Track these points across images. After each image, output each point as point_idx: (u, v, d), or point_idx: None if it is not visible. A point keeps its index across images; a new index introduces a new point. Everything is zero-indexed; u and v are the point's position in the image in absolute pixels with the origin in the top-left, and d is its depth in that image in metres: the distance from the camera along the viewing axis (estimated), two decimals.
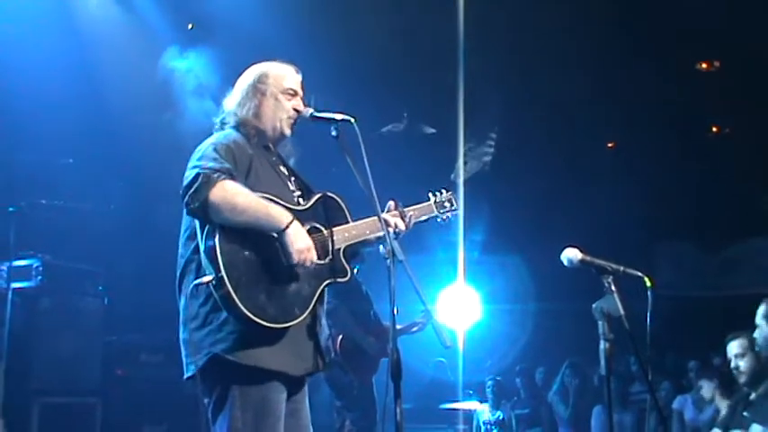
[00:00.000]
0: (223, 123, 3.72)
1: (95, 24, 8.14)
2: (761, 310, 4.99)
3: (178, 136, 6.86)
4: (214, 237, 3.30)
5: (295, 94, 3.75)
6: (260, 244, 3.37)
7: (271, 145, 3.76)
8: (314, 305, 3.49)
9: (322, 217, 3.62)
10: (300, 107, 3.73)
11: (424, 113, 10.43)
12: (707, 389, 7.18)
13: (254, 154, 3.58)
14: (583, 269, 3.53)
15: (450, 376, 10.27)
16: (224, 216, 3.31)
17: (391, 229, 3.70)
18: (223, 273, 3.25)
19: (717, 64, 10.38)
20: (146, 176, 8.40)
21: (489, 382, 9.99)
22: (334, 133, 3.58)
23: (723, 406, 6.50)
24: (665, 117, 10.46)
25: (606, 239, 9.24)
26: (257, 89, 3.71)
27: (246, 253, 3.34)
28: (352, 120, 3.57)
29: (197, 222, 3.43)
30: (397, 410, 3.17)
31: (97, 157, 8.41)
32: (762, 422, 4.99)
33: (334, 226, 3.64)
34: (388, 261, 3.35)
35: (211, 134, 3.68)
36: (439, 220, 4.14)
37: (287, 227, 3.36)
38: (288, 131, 3.73)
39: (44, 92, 7.58)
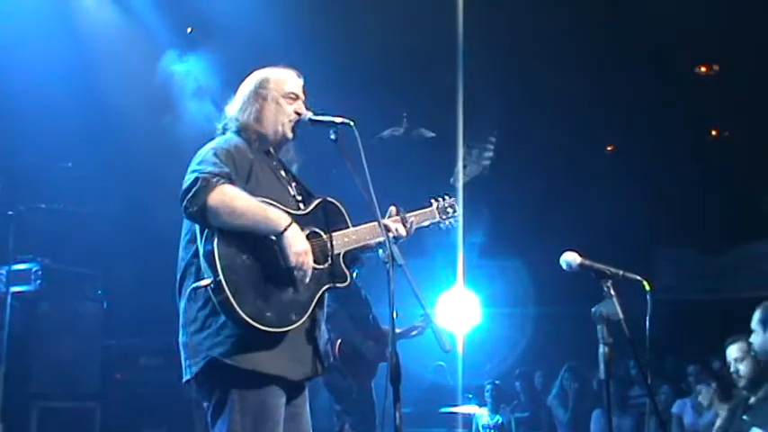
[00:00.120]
0: (225, 129, 3.73)
1: (95, 28, 8.14)
2: (756, 315, 4.98)
3: (177, 139, 6.88)
4: (213, 241, 3.30)
5: (297, 97, 3.75)
6: (259, 248, 3.37)
7: (272, 150, 3.76)
8: (313, 310, 3.49)
9: (322, 222, 3.62)
10: (302, 110, 3.73)
11: (424, 116, 10.43)
12: (706, 393, 7.17)
13: (254, 159, 3.58)
14: (582, 273, 3.53)
15: (449, 380, 10.26)
16: (222, 220, 3.31)
17: (392, 235, 3.70)
18: (221, 277, 3.25)
19: (716, 67, 10.39)
20: (145, 180, 8.39)
21: (488, 386, 9.99)
22: (333, 137, 3.58)
23: (722, 410, 6.50)
24: (665, 120, 10.47)
25: (606, 243, 9.25)
26: (259, 94, 3.72)
27: (245, 257, 3.34)
28: (352, 123, 3.57)
29: (197, 226, 3.43)
30: (397, 414, 3.17)
31: (96, 161, 8.42)
32: (761, 426, 4.98)
33: (334, 231, 3.64)
34: (388, 265, 3.34)
35: (212, 138, 3.69)
36: (441, 226, 4.13)
37: (285, 229, 3.35)
38: (290, 135, 3.73)
39: (43, 95, 7.58)
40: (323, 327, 3.66)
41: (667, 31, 8.82)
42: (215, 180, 3.33)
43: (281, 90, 3.73)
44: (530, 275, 12.43)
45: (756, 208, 12.03)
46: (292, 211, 3.53)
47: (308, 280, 3.41)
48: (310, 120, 3.70)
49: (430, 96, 9.78)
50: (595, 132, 10.97)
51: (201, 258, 3.36)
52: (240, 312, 3.25)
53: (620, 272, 3.49)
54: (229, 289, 3.25)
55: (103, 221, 8.54)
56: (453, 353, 9.82)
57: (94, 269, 8.09)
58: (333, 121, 3.61)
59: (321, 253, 3.55)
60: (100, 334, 7.90)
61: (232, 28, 7.94)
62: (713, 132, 11.80)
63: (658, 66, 9.43)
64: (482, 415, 9.66)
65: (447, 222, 4.14)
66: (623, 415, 8.72)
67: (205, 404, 3.48)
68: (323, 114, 3.69)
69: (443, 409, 9.00)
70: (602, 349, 3.37)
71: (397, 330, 3.33)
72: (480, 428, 9.55)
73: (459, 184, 10.51)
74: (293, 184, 3.75)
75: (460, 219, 4.19)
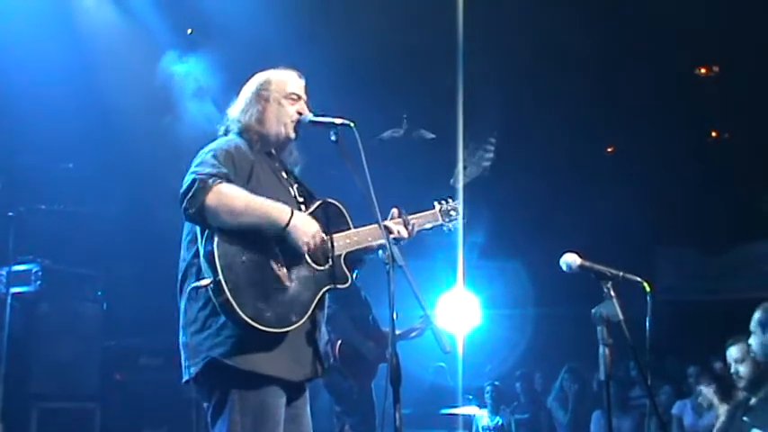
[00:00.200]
0: (227, 131, 3.74)
1: (95, 29, 8.14)
2: (755, 316, 4.98)
3: (178, 140, 6.87)
4: (213, 241, 3.31)
5: (298, 98, 3.76)
6: (259, 249, 3.38)
7: (274, 151, 3.77)
8: (313, 311, 3.49)
9: (323, 223, 3.61)
10: (304, 110, 3.74)
11: (424, 117, 10.42)
12: (706, 394, 7.15)
13: (255, 160, 3.60)
14: (582, 274, 3.53)
15: (449, 381, 10.25)
16: (222, 219, 3.32)
17: (393, 236, 3.71)
18: (221, 277, 3.26)
19: (716, 68, 10.38)
20: (145, 181, 8.39)
21: (488, 388, 9.99)
22: (333, 138, 3.59)
23: (722, 411, 6.49)
24: (665, 121, 10.46)
25: (606, 244, 9.23)
26: (260, 96, 3.73)
27: (245, 257, 3.34)
28: (352, 124, 3.57)
29: (198, 227, 3.44)
30: (397, 415, 3.17)
31: (96, 161, 8.41)
32: (762, 427, 4.98)
33: (335, 232, 3.64)
34: (388, 266, 3.34)
35: (214, 139, 3.70)
36: (444, 228, 4.14)
37: (288, 223, 3.37)
38: (292, 135, 3.74)
39: (44, 96, 7.58)
40: (323, 328, 3.66)
41: (667, 32, 8.82)
42: (212, 180, 3.34)
43: (283, 91, 3.74)
44: (530, 276, 12.43)
45: (757, 208, 12.02)
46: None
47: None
48: (310, 121, 3.71)
49: (430, 97, 9.77)
50: (596, 133, 10.96)
51: (202, 259, 3.36)
52: (240, 312, 3.25)
53: (621, 273, 3.49)
54: (229, 289, 3.25)
55: (103, 222, 8.55)
56: (453, 354, 9.81)
57: (94, 270, 8.09)
58: (333, 123, 3.61)
59: (322, 254, 3.55)
60: (100, 335, 7.90)
61: (232, 28, 7.94)
62: (713, 133, 11.79)
63: (659, 67, 9.42)
64: (482, 416, 9.65)
65: (451, 225, 4.15)
66: (624, 416, 8.72)
67: (205, 404, 3.48)
68: (323, 115, 3.69)
69: (443, 411, 8.99)
70: (602, 350, 3.37)
71: (397, 332, 3.32)
72: (480, 430, 9.54)
73: (460, 185, 10.50)
74: (295, 186, 3.75)
75: (461, 221, 4.19)
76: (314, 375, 3.56)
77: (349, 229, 3.71)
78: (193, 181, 3.35)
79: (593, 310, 3.42)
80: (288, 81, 3.78)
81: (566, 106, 9.87)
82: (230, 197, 3.34)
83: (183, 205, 3.36)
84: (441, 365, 10.46)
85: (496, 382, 10.17)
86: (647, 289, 3.49)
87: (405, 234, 3.81)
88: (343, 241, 3.64)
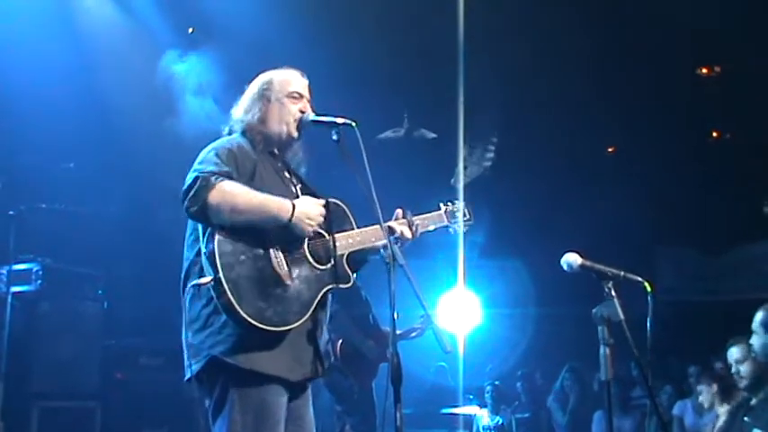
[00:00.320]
0: (231, 131, 3.76)
1: (96, 28, 8.14)
2: (758, 316, 4.98)
3: (178, 139, 6.86)
4: (214, 239, 3.32)
5: (300, 97, 3.77)
6: (260, 247, 3.39)
7: (277, 151, 3.78)
8: (314, 310, 3.49)
9: (326, 222, 3.62)
10: (306, 109, 3.74)
11: (425, 116, 10.42)
12: (707, 394, 7.15)
13: (258, 159, 3.61)
14: (583, 274, 3.53)
15: (450, 381, 10.25)
16: (224, 217, 3.33)
17: (397, 236, 3.73)
18: (221, 275, 3.27)
19: (717, 69, 10.38)
20: (146, 180, 8.39)
21: (488, 388, 9.98)
22: (335, 137, 3.59)
23: (723, 411, 6.49)
24: (666, 122, 10.46)
25: (607, 244, 9.23)
26: (263, 96, 3.75)
27: (246, 256, 3.35)
28: (353, 124, 3.57)
29: (200, 225, 3.45)
30: (397, 415, 3.16)
31: (97, 161, 8.42)
32: (763, 428, 4.98)
33: (338, 232, 3.66)
34: (389, 265, 3.34)
35: (216, 139, 3.71)
36: (450, 230, 4.14)
37: (291, 216, 3.40)
38: (294, 133, 3.74)
39: (44, 96, 7.58)
40: (325, 328, 3.66)
41: (669, 33, 8.81)
42: (214, 178, 3.36)
43: (285, 90, 3.75)
44: (531, 276, 12.42)
45: (757, 209, 12.02)
46: None
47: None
48: (312, 120, 3.71)
49: (431, 97, 9.77)
50: (596, 133, 10.96)
51: (203, 257, 3.37)
52: (239, 311, 3.27)
53: (621, 273, 3.49)
54: (229, 287, 3.26)
55: (104, 221, 8.55)
56: (454, 353, 9.81)
57: (95, 269, 8.09)
58: (334, 122, 3.62)
59: (324, 253, 3.56)
60: (100, 334, 7.90)
61: (233, 28, 7.93)
62: (714, 134, 11.79)
63: (659, 67, 9.42)
64: (482, 416, 9.65)
65: (456, 227, 4.15)
66: (625, 416, 8.71)
67: (206, 402, 3.49)
68: (324, 115, 3.70)
69: (444, 410, 8.99)
70: (603, 350, 3.37)
71: (398, 331, 3.31)
72: (481, 429, 9.54)
73: (460, 185, 10.50)
74: (298, 186, 3.76)
75: (462, 223, 4.18)
76: (314, 375, 3.56)
77: (352, 229, 3.71)
78: (196, 179, 3.36)
79: (593, 310, 3.42)
80: (290, 80, 3.79)
81: (566, 106, 9.87)
82: (233, 194, 3.35)
83: (185, 203, 3.37)
84: (441, 365, 10.46)
85: (497, 382, 10.17)
86: (648, 289, 3.49)
87: (408, 235, 3.81)
88: (346, 241, 3.64)
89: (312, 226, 3.45)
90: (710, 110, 10.61)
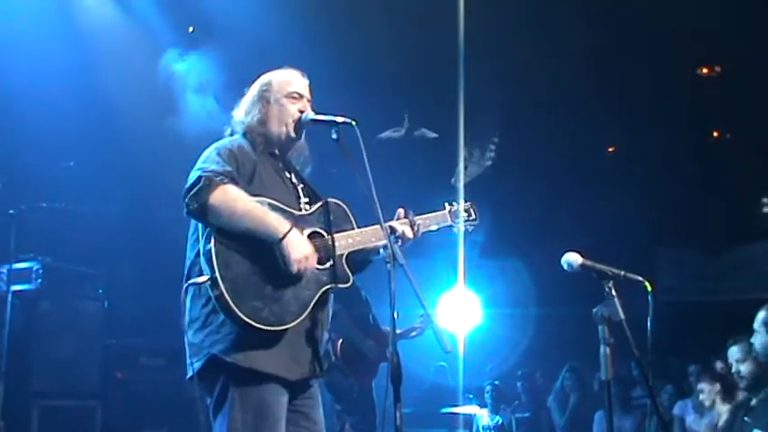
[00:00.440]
0: (233, 133, 3.78)
1: (96, 27, 8.14)
2: (760, 316, 4.98)
3: (179, 139, 6.87)
4: (211, 239, 3.34)
5: (300, 97, 3.77)
6: (258, 247, 3.39)
7: (278, 151, 3.78)
8: (312, 309, 3.49)
9: (325, 222, 3.64)
10: (306, 109, 3.75)
11: (425, 116, 10.42)
12: (708, 393, 7.15)
13: (258, 160, 3.62)
14: (583, 274, 3.53)
15: (450, 380, 10.25)
16: (222, 220, 3.35)
17: (398, 236, 3.74)
18: (217, 274, 3.29)
19: (718, 69, 10.38)
20: (146, 180, 8.40)
21: (488, 387, 9.98)
22: (334, 136, 3.58)
23: (723, 411, 6.49)
24: (667, 122, 10.46)
25: (607, 244, 9.22)
26: (262, 97, 3.76)
27: (244, 255, 3.36)
28: (353, 123, 3.57)
29: (201, 225, 3.46)
30: (397, 414, 3.16)
31: (98, 160, 8.42)
32: (763, 428, 4.98)
33: (338, 232, 3.66)
34: (389, 265, 3.34)
35: (218, 139, 3.73)
36: (455, 229, 4.14)
37: (284, 236, 3.37)
38: (293, 134, 3.75)
39: (45, 95, 7.58)
40: (326, 327, 3.66)
41: (669, 32, 8.81)
42: (219, 179, 3.37)
43: (284, 91, 3.76)
44: (531, 276, 12.42)
45: (758, 210, 12.02)
46: (294, 212, 3.56)
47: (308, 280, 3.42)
48: (312, 120, 3.71)
49: (431, 96, 9.77)
50: (597, 133, 10.95)
51: (201, 256, 3.38)
52: (236, 310, 3.28)
53: (622, 272, 3.49)
54: (225, 286, 3.28)
55: (105, 221, 8.55)
56: (454, 353, 9.81)
57: (95, 268, 8.09)
58: (334, 121, 3.61)
59: (323, 253, 3.56)
60: (101, 333, 7.90)
61: (234, 27, 7.94)
62: (715, 134, 11.79)
63: (660, 67, 9.42)
64: (482, 416, 9.65)
65: (464, 227, 4.16)
66: (626, 416, 8.71)
67: (208, 400, 3.51)
68: (324, 114, 3.70)
69: (444, 410, 8.99)
70: (603, 350, 3.37)
71: (398, 331, 3.32)
72: (480, 429, 9.54)
73: (461, 185, 10.50)
74: (300, 187, 3.77)
75: (461, 222, 4.18)
76: (313, 374, 3.56)
77: (352, 229, 3.71)
78: (199, 178, 3.38)
79: (594, 310, 3.42)
80: (289, 81, 3.80)
81: (566, 106, 9.87)
82: (234, 199, 3.37)
83: (186, 201, 3.38)
84: (442, 365, 10.46)
85: (496, 382, 10.16)
86: (649, 288, 3.49)
87: (410, 235, 3.82)
88: (345, 241, 3.64)
89: (298, 256, 3.38)
90: (711, 110, 10.61)
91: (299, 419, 3.58)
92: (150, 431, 8.03)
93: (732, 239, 13.09)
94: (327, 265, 3.57)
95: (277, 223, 3.39)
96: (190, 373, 3.48)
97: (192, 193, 3.36)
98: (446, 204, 4.14)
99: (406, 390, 3.23)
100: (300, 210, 3.63)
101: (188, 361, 3.49)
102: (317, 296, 3.51)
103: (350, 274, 3.64)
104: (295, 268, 3.37)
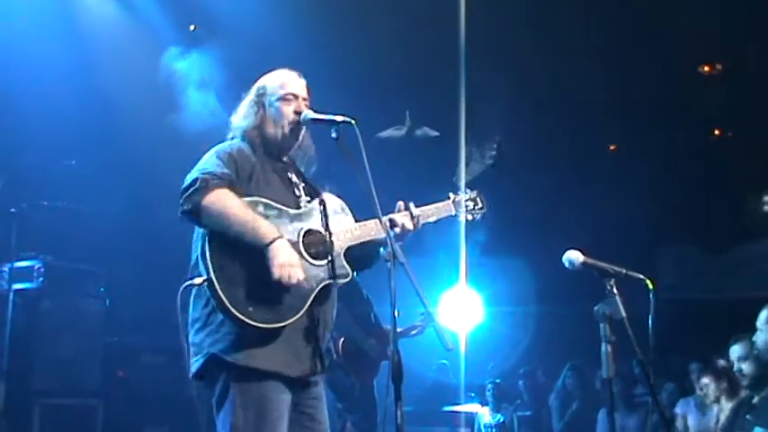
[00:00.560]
0: (233, 138, 3.83)
1: (97, 26, 8.15)
2: (763, 314, 4.98)
3: (180, 137, 6.86)
4: (207, 240, 3.39)
5: (295, 98, 3.79)
6: (251, 248, 3.40)
7: (278, 152, 3.81)
8: (310, 305, 3.51)
9: (323, 219, 3.66)
10: (302, 109, 3.75)
11: (426, 114, 10.41)
12: (712, 389, 7.13)
13: (257, 161, 3.67)
14: (585, 272, 3.53)
15: (452, 379, 10.25)
16: (214, 221, 3.40)
17: (398, 229, 3.76)
18: (212, 274, 3.33)
19: (719, 67, 10.36)
20: (148, 178, 8.40)
21: (489, 386, 9.98)
22: (334, 135, 3.60)
23: (726, 408, 6.48)
24: (668, 120, 10.44)
25: (609, 242, 9.22)
26: (257, 102, 3.81)
27: (239, 256, 3.39)
28: (353, 121, 3.57)
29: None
30: (398, 413, 3.17)
31: (99, 158, 8.43)
32: (764, 426, 4.98)
33: (336, 228, 3.68)
34: (389, 263, 3.34)
35: (219, 137, 3.80)
36: (460, 218, 4.16)
37: (270, 243, 3.38)
38: (289, 135, 3.77)
39: (46, 94, 7.59)
40: (327, 324, 3.66)
41: (670, 30, 8.80)
42: (215, 182, 3.43)
43: (278, 93, 3.79)
44: (532, 274, 12.40)
45: (759, 209, 12.00)
46: (291, 210, 3.59)
47: (297, 284, 3.42)
48: (311, 118, 3.73)
49: (432, 95, 9.76)
50: (598, 132, 10.95)
51: (199, 256, 3.43)
52: (233, 310, 3.32)
53: (623, 270, 3.49)
54: (220, 287, 3.32)
55: (106, 219, 8.55)
56: (456, 351, 9.82)
57: (97, 266, 8.09)
58: (334, 120, 3.62)
59: (321, 249, 3.58)
60: (102, 331, 7.91)
61: (235, 25, 7.94)
62: (716, 132, 11.77)
63: (661, 65, 9.40)
64: (484, 414, 9.65)
65: (470, 216, 4.21)
66: (630, 413, 8.71)
67: (212, 399, 3.54)
68: (324, 113, 3.70)
69: (445, 408, 8.99)
70: (604, 348, 3.37)
71: (399, 329, 3.32)
72: (482, 427, 9.54)
73: (462, 183, 10.49)
74: (302, 186, 3.79)
75: (463, 216, 4.19)
76: (313, 371, 3.57)
77: (351, 224, 3.74)
78: (195, 180, 3.44)
79: (595, 308, 3.42)
80: (284, 83, 3.82)
81: (568, 104, 9.86)
82: (226, 202, 3.41)
83: (181, 201, 3.44)
84: (443, 363, 10.46)
85: (498, 380, 10.17)
86: (650, 286, 3.49)
87: (410, 226, 3.84)
88: (344, 236, 3.68)
89: (280, 262, 3.37)
90: (713, 108, 10.59)
91: (304, 420, 3.61)
92: (151, 429, 8.04)
93: (734, 238, 13.08)
94: (325, 261, 3.58)
95: (265, 229, 3.42)
96: (192, 372, 3.52)
97: (187, 194, 3.42)
98: (450, 194, 4.15)
99: (408, 388, 3.23)
100: (299, 208, 3.65)
101: (191, 360, 3.53)
102: (316, 292, 3.52)
103: (349, 269, 3.66)
104: (277, 274, 3.36)
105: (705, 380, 7.20)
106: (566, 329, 11.37)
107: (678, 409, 8.22)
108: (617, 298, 3.41)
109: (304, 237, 3.57)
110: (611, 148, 12.12)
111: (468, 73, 8.68)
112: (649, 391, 7.42)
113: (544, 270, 11.21)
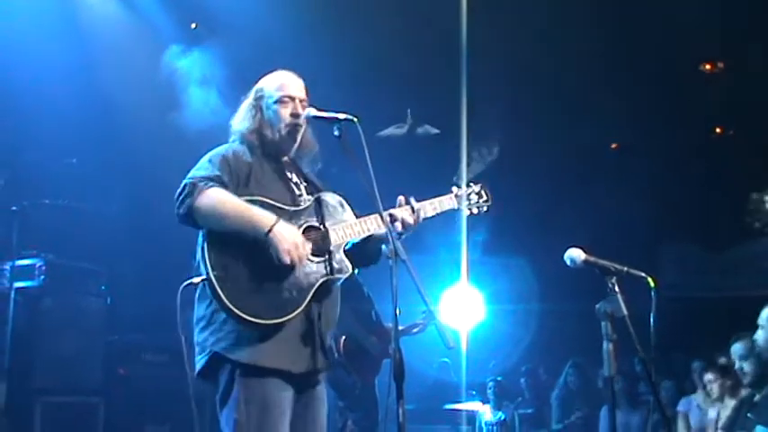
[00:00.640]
0: (233, 142, 3.86)
1: (98, 24, 8.14)
2: (765, 312, 4.97)
3: (181, 136, 6.86)
4: (205, 240, 3.44)
5: (292, 99, 3.80)
6: (250, 244, 3.43)
7: (278, 153, 3.83)
8: (310, 301, 3.52)
9: (322, 215, 3.69)
10: (298, 111, 3.77)
11: (427, 112, 10.40)
12: (715, 386, 7.13)
13: (255, 162, 3.70)
14: (586, 270, 3.53)
15: (453, 377, 10.25)
16: (209, 222, 3.44)
17: (398, 224, 3.75)
18: (210, 273, 3.37)
19: (721, 65, 10.35)
20: (149, 176, 8.38)
21: (490, 384, 9.99)
22: (336, 133, 3.60)
23: (728, 406, 6.48)
24: (669, 118, 10.43)
25: (610, 240, 9.22)
26: (254, 106, 3.84)
27: (237, 253, 3.42)
28: (355, 119, 3.58)
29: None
30: (400, 411, 3.17)
31: (100, 157, 8.43)
32: (766, 424, 4.98)
33: (335, 224, 3.70)
34: (391, 261, 3.35)
35: (219, 136, 3.85)
36: (465, 212, 4.17)
37: (270, 229, 3.40)
38: (287, 137, 3.79)
39: (47, 92, 7.59)
40: (329, 320, 3.66)
41: (672, 29, 8.79)
42: (203, 184, 3.47)
43: (275, 96, 3.81)
44: (534, 272, 12.41)
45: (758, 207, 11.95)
46: (289, 208, 3.60)
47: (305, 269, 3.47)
48: (313, 116, 3.74)
49: (433, 93, 9.76)
50: (599, 129, 10.93)
51: (198, 256, 3.47)
52: (233, 308, 3.36)
53: (625, 268, 3.49)
54: (219, 285, 3.36)
55: (107, 217, 8.55)
56: (457, 349, 9.82)
57: (98, 265, 8.09)
58: (336, 118, 3.63)
59: (321, 245, 3.60)
60: (103, 329, 7.90)
61: (237, 23, 7.94)
62: (717, 130, 11.76)
63: (663, 63, 9.40)
64: (485, 412, 9.65)
65: (475, 209, 4.26)
66: (633, 411, 8.72)
67: (216, 397, 3.57)
68: (326, 111, 3.71)
69: (447, 406, 8.99)
70: (606, 346, 3.37)
71: (400, 327, 3.32)
72: (483, 425, 9.54)
73: (463, 181, 10.48)
74: (303, 185, 3.81)
75: (464, 214, 4.19)
76: (315, 367, 3.59)
77: (350, 220, 3.76)
78: (185, 185, 3.50)
79: (597, 306, 3.42)
80: (281, 85, 3.84)
81: (569, 102, 9.85)
82: (219, 201, 3.45)
83: (175, 206, 3.50)
84: (444, 361, 10.46)
85: (499, 378, 10.17)
86: (652, 284, 3.49)
87: (410, 220, 3.84)
88: (343, 231, 3.69)
89: (286, 246, 3.41)
90: (714, 106, 10.58)
91: (307, 421, 3.66)
92: (153, 427, 8.04)
93: (735, 236, 13.06)
94: (324, 257, 3.60)
95: (262, 217, 3.44)
96: (196, 370, 3.57)
97: (179, 199, 3.48)
98: (454, 188, 4.14)
99: (409, 386, 3.23)
100: (297, 205, 3.67)
101: (195, 358, 3.58)
102: (316, 287, 3.54)
103: (349, 264, 3.67)
104: (287, 258, 3.40)
105: (710, 376, 7.20)
106: (567, 327, 11.37)
107: (680, 408, 8.24)
108: (618, 296, 3.41)
109: (303, 233, 3.57)
110: (613, 146, 12.11)
111: (470, 70, 8.67)
112: (651, 390, 7.42)
113: (545, 268, 11.23)
